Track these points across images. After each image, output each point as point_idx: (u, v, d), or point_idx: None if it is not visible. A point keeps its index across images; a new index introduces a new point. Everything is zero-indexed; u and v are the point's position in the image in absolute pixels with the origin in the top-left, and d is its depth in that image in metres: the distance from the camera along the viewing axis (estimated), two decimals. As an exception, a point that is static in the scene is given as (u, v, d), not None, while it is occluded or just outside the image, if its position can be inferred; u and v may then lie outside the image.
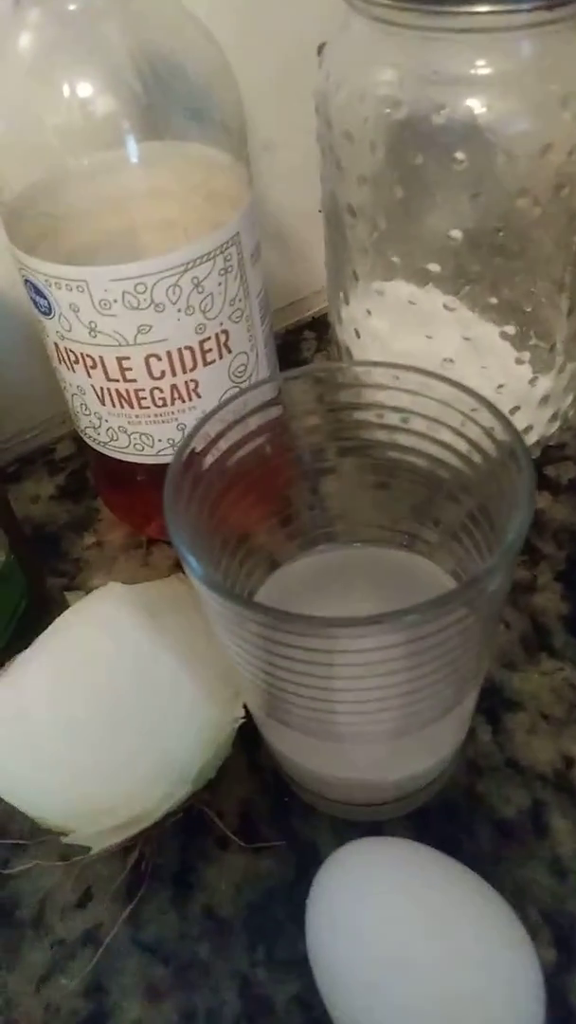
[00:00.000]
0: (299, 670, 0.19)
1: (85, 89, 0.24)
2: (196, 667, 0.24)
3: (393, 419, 0.23)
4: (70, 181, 0.25)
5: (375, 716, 0.21)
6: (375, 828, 0.26)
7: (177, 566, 0.34)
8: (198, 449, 0.21)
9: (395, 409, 0.22)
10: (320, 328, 0.45)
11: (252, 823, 0.26)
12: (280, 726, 0.23)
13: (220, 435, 0.22)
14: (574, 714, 0.28)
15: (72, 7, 0.23)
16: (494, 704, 0.28)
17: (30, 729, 0.23)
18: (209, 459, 0.21)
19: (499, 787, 0.26)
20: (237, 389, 0.29)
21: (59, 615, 0.26)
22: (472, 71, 0.24)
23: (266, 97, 0.26)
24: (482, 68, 0.24)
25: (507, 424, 0.20)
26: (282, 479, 0.24)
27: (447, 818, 0.26)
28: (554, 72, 0.24)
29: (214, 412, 0.21)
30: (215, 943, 0.24)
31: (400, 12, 0.25)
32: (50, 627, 0.25)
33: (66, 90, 0.23)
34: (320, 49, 0.28)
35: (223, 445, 0.22)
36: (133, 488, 0.33)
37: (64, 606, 0.27)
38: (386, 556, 0.26)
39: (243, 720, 0.24)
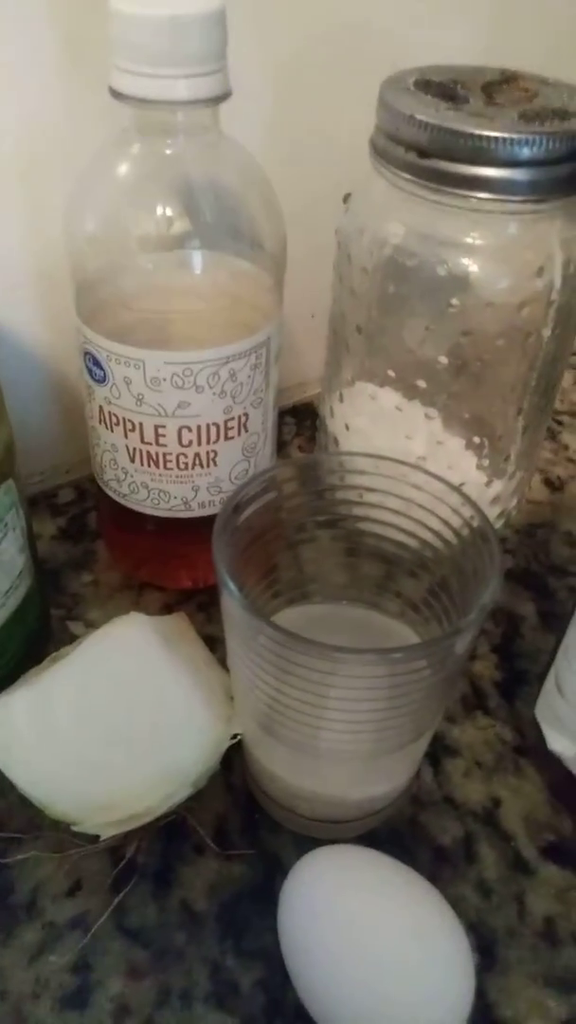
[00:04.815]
0: (300, 687, 0.24)
1: (166, 211, 0.29)
2: (203, 689, 0.29)
3: (372, 500, 0.28)
4: (138, 277, 0.31)
5: (354, 736, 0.25)
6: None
7: (165, 608, 0.39)
8: (237, 505, 0.26)
9: (375, 491, 0.28)
10: (299, 415, 0.51)
11: (225, 833, 0.30)
12: (271, 741, 0.27)
13: (252, 499, 0.27)
14: (502, 763, 0.33)
15: (168, 152, 0.28)
16: (436, 750, 0.33)
17: (55, 730, 0.27)
18: (242, 516, 0.26)
19: (437, 818, 0.31)
20: (246, 462, 0.35)
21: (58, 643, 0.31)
22: (467, 239, 0.31)
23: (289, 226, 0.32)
24: (476, 239, 0.31)
25: (482, 514, 0.25)
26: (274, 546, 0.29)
27: (393, 842, 0.31)
28: (532, 246, 0.31)
29: (255, 477, 0.26)
30: (190, 932, 0.28)
31: (414, 184, 0.31)
32: (80, 645, 0.29)
33: (151, 210, 0.29)
34: (346, 198, 0.35)
35: (251, 508, 0.27)
36: (140, 536, 0.37)
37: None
38: (360, 615, 0.31)
39: (238, 739, 0.28)
